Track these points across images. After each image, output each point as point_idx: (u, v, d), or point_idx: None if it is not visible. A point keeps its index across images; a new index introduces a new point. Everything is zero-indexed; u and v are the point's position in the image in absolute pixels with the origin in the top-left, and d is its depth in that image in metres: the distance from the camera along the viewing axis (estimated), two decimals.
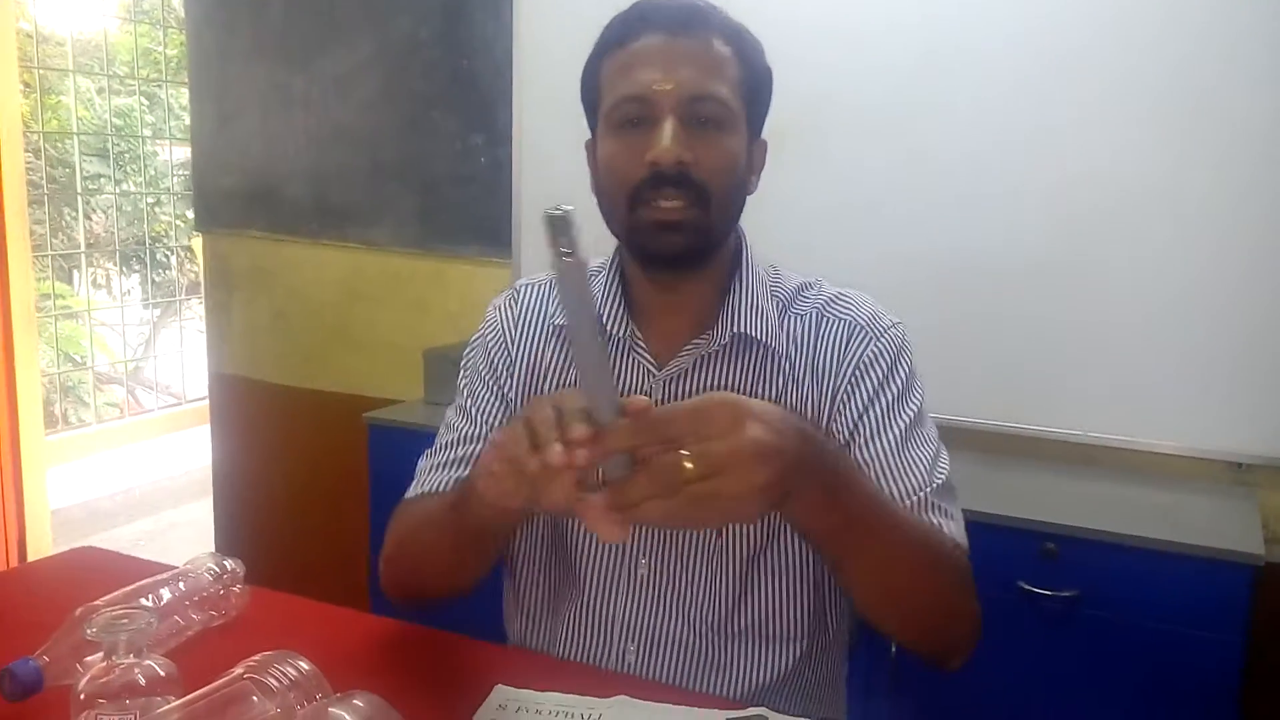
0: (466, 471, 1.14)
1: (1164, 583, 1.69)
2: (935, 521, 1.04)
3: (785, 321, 1.12)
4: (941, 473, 1.07)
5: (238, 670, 0.81)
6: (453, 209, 2.66)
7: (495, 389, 1.18)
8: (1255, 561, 1.62)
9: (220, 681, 0.80)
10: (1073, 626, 1.76)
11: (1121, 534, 1.73)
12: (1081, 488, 2.00)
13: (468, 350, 1.24)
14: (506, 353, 1.19)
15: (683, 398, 1.08)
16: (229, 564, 1.15)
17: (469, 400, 1.20)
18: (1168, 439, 1.99)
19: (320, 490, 2.83)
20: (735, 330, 1.10)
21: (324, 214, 2.82)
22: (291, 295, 2.92)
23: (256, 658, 0.82)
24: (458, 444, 1.18)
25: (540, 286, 1.21)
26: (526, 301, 1.20)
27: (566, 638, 1.15)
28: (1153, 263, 1.96)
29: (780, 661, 1.12)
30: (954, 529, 1.05)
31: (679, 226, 1.03)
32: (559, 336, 1.17)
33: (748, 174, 1.10)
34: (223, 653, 0.90)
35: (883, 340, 1.11)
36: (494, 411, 1.18)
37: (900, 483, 1.05)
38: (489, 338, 1.21)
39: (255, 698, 0.78)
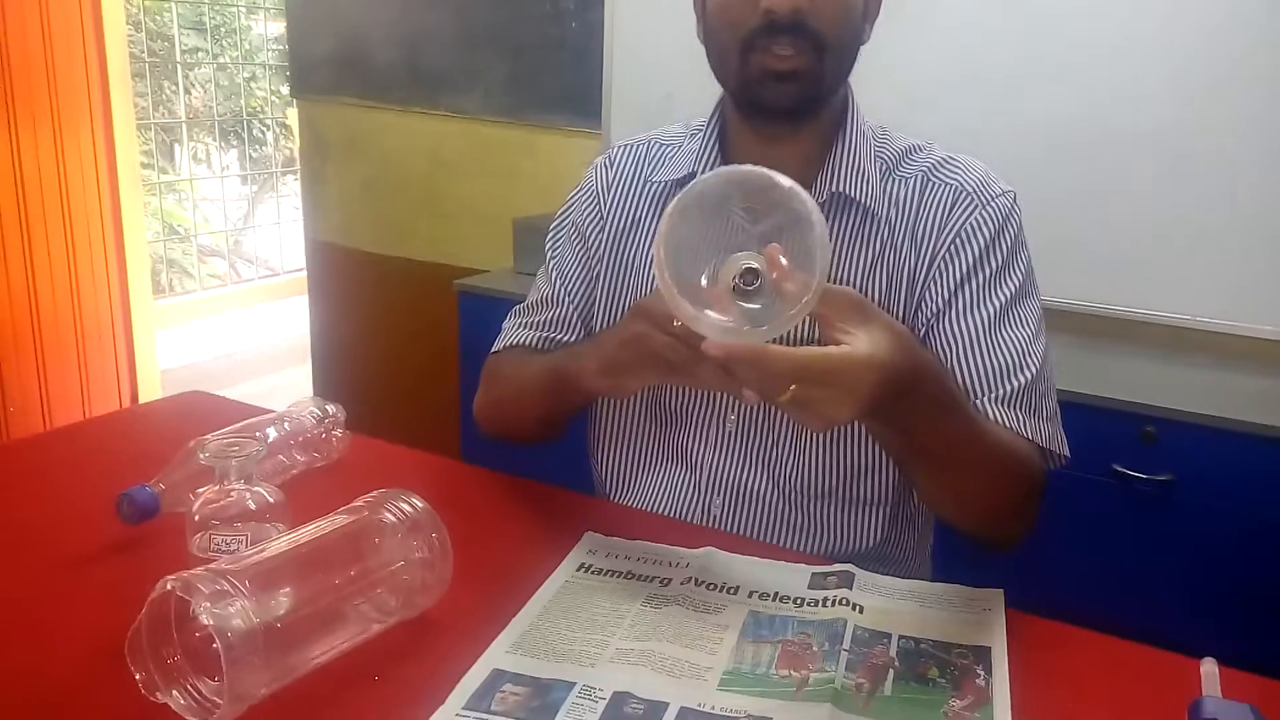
0: (553, 336, 1.18)
1: (1262, 468, 1.64)
2: (1016, 416, 1.00)
3: (888, 184, 1.09)
4: (1034, 361, 1.03)
5: (357, 503, 0.84)
6: (542, 76, 2.62)
7: (581, 253, 1.19)
8: None
9: (341, 513, 0.82)
10: (1167, 511, 1.72)
11: (1220, 418, 1.67)
12: (1179, 373, 1.93)
13: (560, 211, 1.24)
14: (598, 210, 1.19)
15: None
16: (330, 408, 1.18)
17: (553, 263, 1.21)
18: (1267, 323, 1.90)
19: (413, 355, 2.90)
20: (834, 189, 1.07)
21: (415, 81, 2.81)
22: (383, 163, 2.93)
23: (372, 494, 0.85)
24: (542, 305, 1.21)
25: (637, 147, 1.20)
26: (622, 161, 1.20)
27: (654, 490, 1.17)
28: (1261, 140, 1.85)
29: (866, 526, 1.12)
30: (1035, 426, 1.01)
31: (794, 76, 1.00)
32: (653, 194, 1.16)
33: (863, 22, 1.05)
34: (325, 492, 0.93)
35: (990, 208, 1.07)
36: (577, 277, 1.19)
37: (986, 368, 1.02)
38: (582, 197, 1.21)
39: (379, 533, 0.81)
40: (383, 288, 2.99)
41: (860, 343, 0.76)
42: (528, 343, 1.20)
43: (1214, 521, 1.69)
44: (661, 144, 1.19)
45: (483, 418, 1.23)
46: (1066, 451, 1.05)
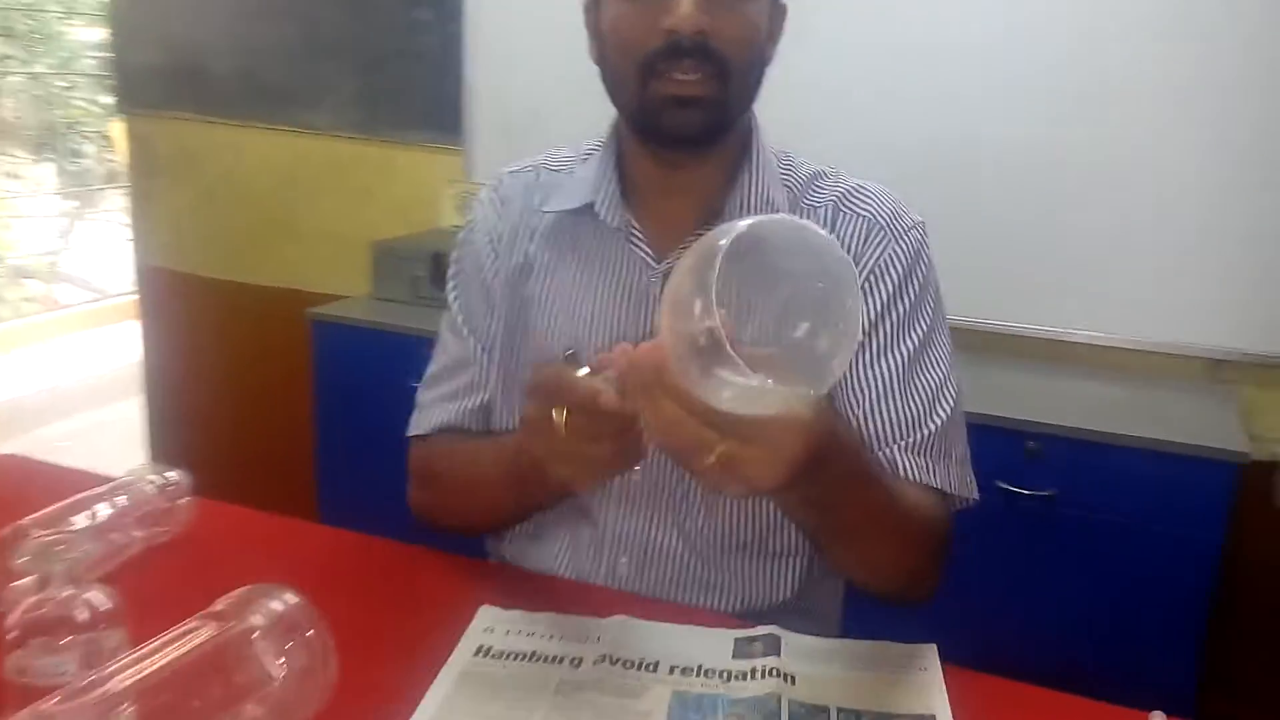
0: (476, 399, 1.06)
1: (1144, 481, 1.66)
2: (926, 465, 0.97)
3: (797, 214, 1.02)
4: (946, 405, 0.99)
5: (217, 607, 0.70)
6: (398, 91, 2.48)
7: (487, 299, 1.08)
8: (1239, 459, 1.59)
9: (197, 622, 0.69)
10: (1051, 526, 1.73)
11: (1102, 432, 1.69)
12: (1058, 386, 1.96)
13: (455, 254, 1.13)
14: (493, 247, 1.08)
15: None
16: (172, 475, 1.03)
17: (462, 316, 1.09)
18: (1146, 336, 1.94)
19: (261, 390, 2.68)
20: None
21: (256, 94, 2.62)
22: (224, 182, 2.72)
23: (234, 595, 0.71)
24: (457, 369, 1.08)
25: (524, 175, 1.10)
26: (510, 192, 1.09)
27: (553, 551, 1.06)
28: (1131, 159, 1.90)
29: (782, 579, 1.05)
30: (944, 473, 0.97)
31: (697, 102, 0.92)
32: (546, 226, 1.06)
33: (767, 42, 0.98)
34: (172, 578, 0.80)
35: (903, 242, 1.01)
36: (486, 329, 1.08)
37: (897, 416, 0.97)
38: (475, 235, 1.09)
39: (246, 647, 0.67)
40: (226, 316, 2.76)
41: None
42: (457, 422, 1.07)
43: (1097, 534, 1.70)
44: (550, 169, 1.09)
45: (425, 515, 1.09)
46: (975, 494, 1.01)
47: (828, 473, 0.74)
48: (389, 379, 2.11)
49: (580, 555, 1.05)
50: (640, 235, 1.01)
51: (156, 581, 0.82)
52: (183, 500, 1.03)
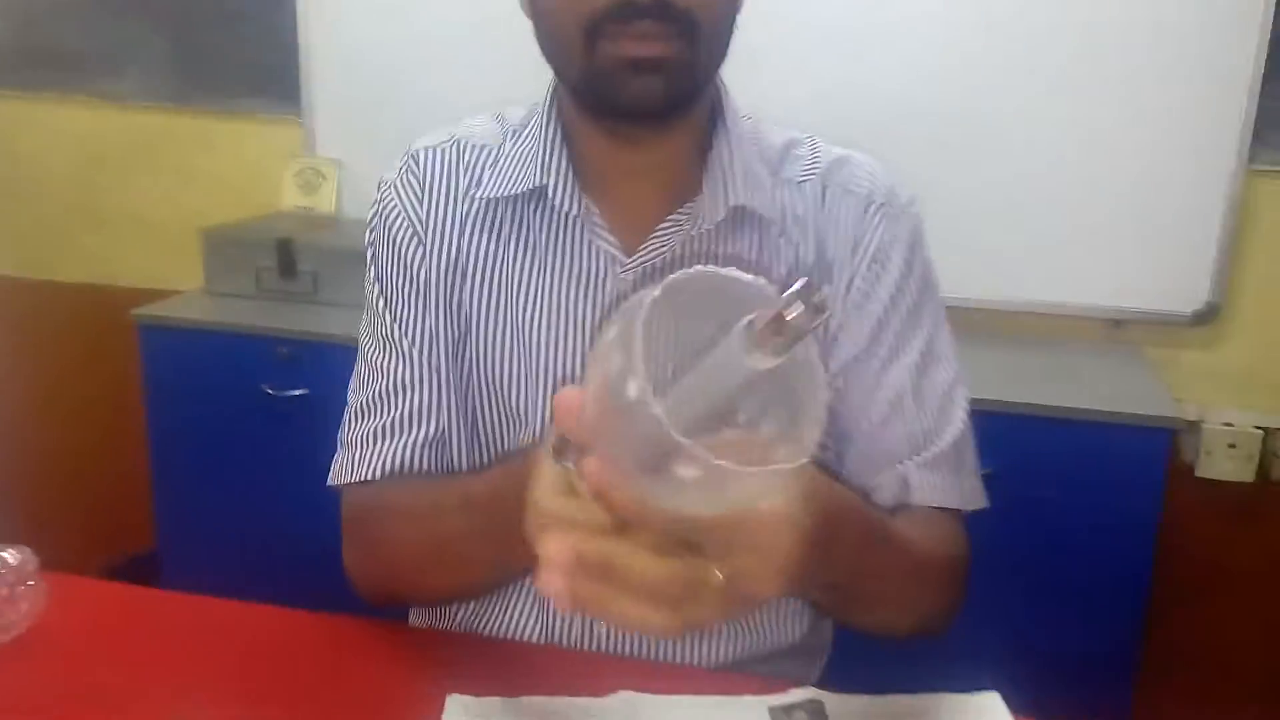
0: (427, 429, 0.85)
1: (1078, 454, 1.60)
2: (941, 482, 0.85)
3: (778, 190, 0.86)
4: (960, 411, 0.87)
5: None
6: (217, 55, 2.16)
7: (422, 302, 0.87)
8: (1171, 425, 1.55)
9: None
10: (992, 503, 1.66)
11: (1030, 404, 1.61)
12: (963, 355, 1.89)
13: (369, 249, 0.91)
14: (418, 239, 0.87)
15: None
16: (11, 555, 0.79)
17: (394, 327, 0.87)
18: (1044, 298, 1.90)
19: (78, 405, 2.33)
20: (733, 201, 0.82)
21: (39, 59, 2.23)
22: (8, 163, 2.32)
23: None
24: (396, 393, 0.86)
25: (443, 152, 0.88)
26: (430, 171, 0.88)
27: (518, 608, 0.88)
28: (1022, 114, 1.84)
29: (789, 619, 0.91)
30: (960, 486, 0.86)
31: (658, 66, 0.74)
32: (480, 215, 0.86)
33: None
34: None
35: (902, 221, 0.87)
36: (431, 337, 0.86)
37: (912, 430, 0.85)
38: (395, 226, 0.88)
39: None
40: (25, 320, 2.37)
41: None
42: (406, 463, 0.85)
43: (1032, 510, 1.64)
44: (475, 145, 0.88)
45: (371, 586, 0.87)
46: (985, 501, 0.90)
47: (835, 552, 0.62)
48: (233, 386, 1.86)
49: (550, 612, 0.87)
50: (601, 225, 0.83)
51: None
52: (29, 584, 0.79)
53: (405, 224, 0.87)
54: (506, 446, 0.86)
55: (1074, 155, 1.84)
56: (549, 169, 0.83)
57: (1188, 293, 1.84)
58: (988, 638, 1.62)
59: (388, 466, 0.85)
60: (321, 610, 0.84)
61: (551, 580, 0.50)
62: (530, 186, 0.83)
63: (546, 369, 0.84)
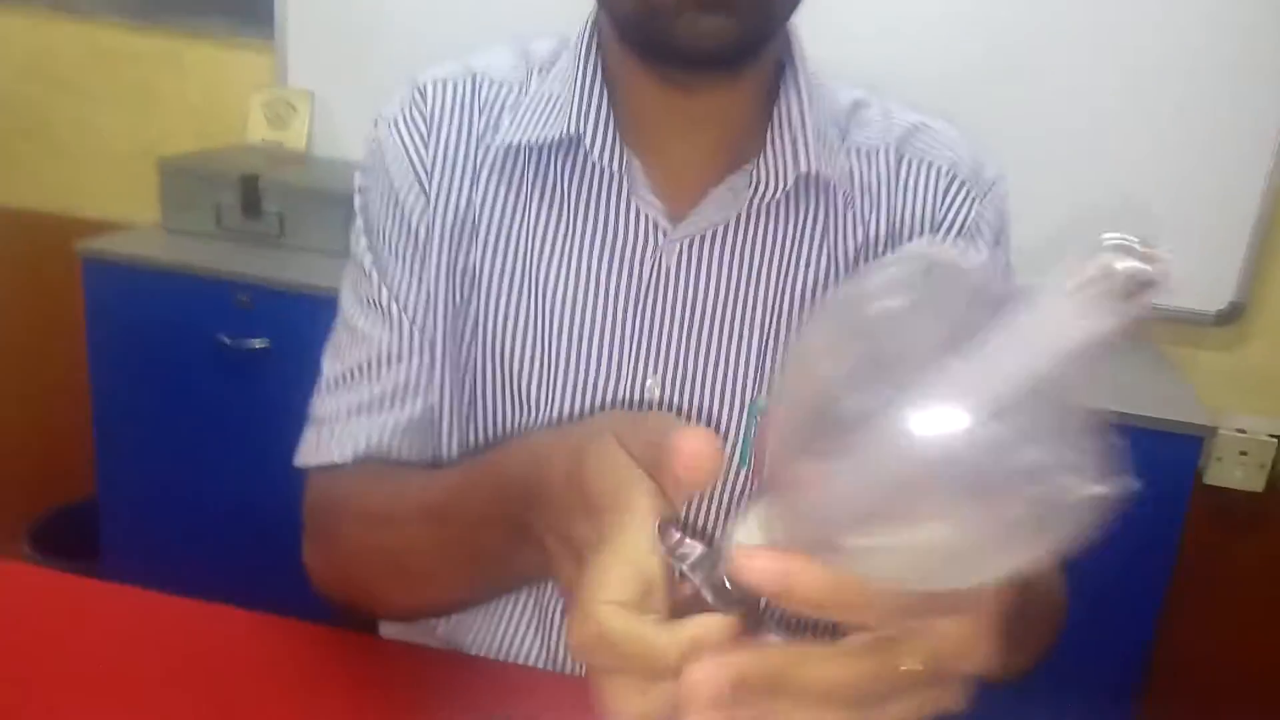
0: (413, 408, 0.72)
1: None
2: None
3: (847, 158, 0.74)
4: None
5: None
6: None
7: (420, 261, 0.73)
8: (1203, 432, 1.45)
9: None
10: None
11: None
12: None
13: (360, 196, 0.77)
14: (422, 192, 0.73)
15: (717, 274, 0.69)
16: None
17: (384, 288, 0.74)
18: None
19: (17, 340, 2.16)
20: (803, 167, 0.69)
21: None
22: None
23: None
24: (380, 363, 0.73)
25: (456, 86, 0.74)
26: (440, 109, 0.73)
27: (513, 621, 0.75)
28: (1045, 112, 1.72)
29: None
30: None
31: (730, 3, 0.61)
32: (497, 163, 0.72)
33: None
34: None
35: (989, 199, 0.75)
36: (427, 303, 0.73)
37: None
38: (395, 170, 0.74)
39: None
40: None
41: None
42: (386, 446, 0.72)
43: None
44: (494, 81, 0.74)
45: (333, 587, 0.74)
46: None
47: (1027, 602, 0.48)
48: (186, 333, 1.71)
49: (553, 627, 0.74)
50: (646, 185, 0.70)
51: None
52: None
53: (406, 169, 0.73)
54: (505, 435, 0.73)
55: (1105, 151, 1.73)
56: (585, 115, 0.69)
57: (1213, 291, 1.74)
58: None
59: (362, 449, 0.72)
60: (269, 596, 0.71)
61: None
62: (561, 134, 0.69)
63: (567, 351, 0.71)
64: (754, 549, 0.36)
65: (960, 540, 0.31)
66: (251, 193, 1.77)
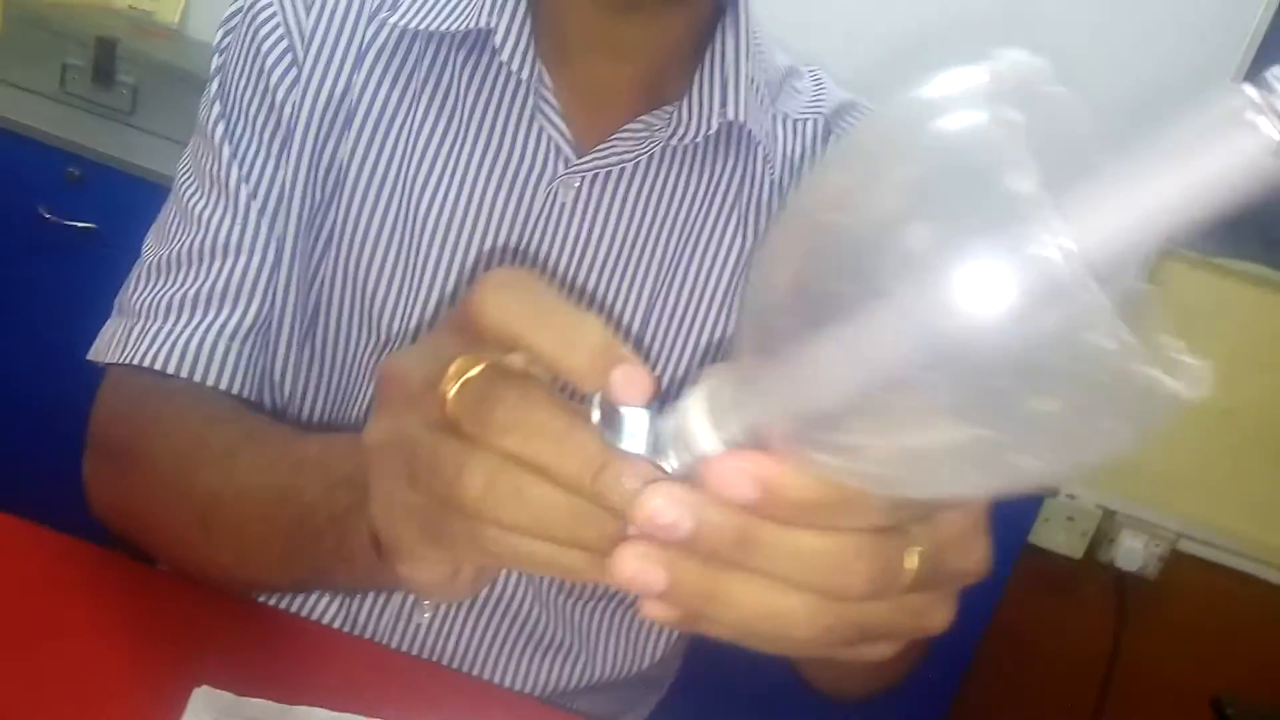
0: (244, 312, 0.61)
1: None
2: None
3: (773, 124, 0.67)
4: None
5: None
6: None
7: (280, 144, 0.62)
8: (1048, 493, 1.47)
9: None
10: None
11: None
12: None
13: (218, 57, 0.66)
14: (293, 64, 0.62)
15: (616, 215, 0.62)
16: None
17: (233, 167, 0.62)
18: None
19: None
20: (729, 115, 0.62)
21: None
22: None
23: None
24: (215, 257, 0.62)
25: None
26: None
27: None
28: None
29: (645, 641, 0.72)
30: None
31: None
32: (388, 47, 0.63)
33: None
34: None
35: None
36: (280, 193, 0.62)
37: None
38: (262, 39, 0.63)
39: None
40: None
41: None
42: (210, 356, 0.60)
43: None
44: None
45: (111, 514, 0.61)
46: None
47: None
48: (3, 199, 1.54)
49: (356, 600, 0.65)
50: (553, 104, 0.62)
51: None
52: None
53: (281, 36, 0.62)
54: (349, 361, 0.64)
55: None
56: (501, 10, 0.60)
57: None
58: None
59: (179, 354, 0.60)
60: (76, 503, 0.60)
61: (636, 560, 0.28)
62: (468, 27, 0.60)
63: (431, 276, 0.62)
64: (733, 451, 0.28)
65: (986, 448, 0.24)
66: (106, 59, 1.59)
